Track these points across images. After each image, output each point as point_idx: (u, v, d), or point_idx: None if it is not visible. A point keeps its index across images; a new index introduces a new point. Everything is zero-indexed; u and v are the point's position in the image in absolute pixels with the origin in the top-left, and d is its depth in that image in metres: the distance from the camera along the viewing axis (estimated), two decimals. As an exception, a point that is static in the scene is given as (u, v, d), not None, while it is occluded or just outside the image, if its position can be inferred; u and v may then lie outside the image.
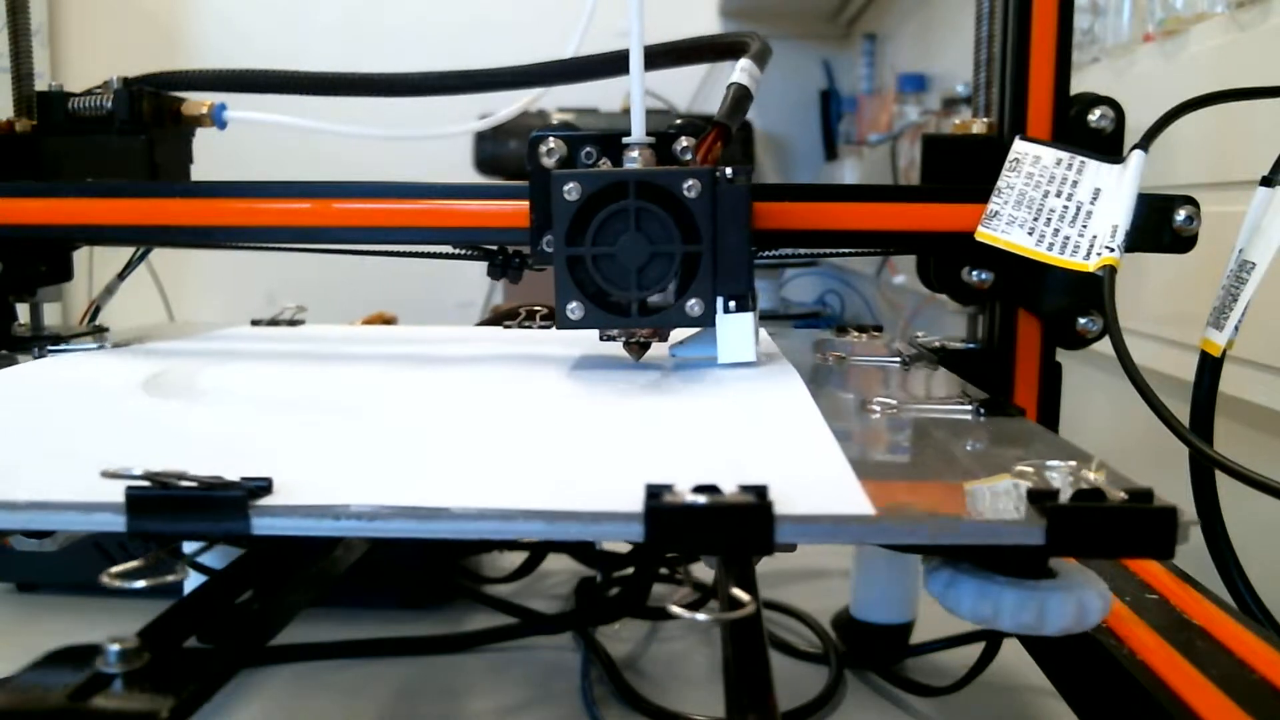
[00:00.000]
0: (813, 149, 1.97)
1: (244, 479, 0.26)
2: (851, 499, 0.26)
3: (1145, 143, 0.44)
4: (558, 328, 0.43)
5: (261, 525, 0.25)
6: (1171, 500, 0.25)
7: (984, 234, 0.45)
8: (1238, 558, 0.41)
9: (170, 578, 0.26)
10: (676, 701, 0.51)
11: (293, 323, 0.65)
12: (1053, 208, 0.44)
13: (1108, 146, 0.46)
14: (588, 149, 0.44)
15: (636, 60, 0.43)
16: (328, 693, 0.52)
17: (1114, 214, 0.43)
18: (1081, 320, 0.47)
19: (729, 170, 0.42)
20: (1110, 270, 0.42)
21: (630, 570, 0.64)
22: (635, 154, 0.44)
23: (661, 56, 0.55)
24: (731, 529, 0.24)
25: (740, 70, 0.47)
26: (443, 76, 0.56)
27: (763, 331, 0.59)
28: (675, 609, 0.25)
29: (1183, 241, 0.45)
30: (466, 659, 0.56)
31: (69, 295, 0.62)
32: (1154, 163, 0.44)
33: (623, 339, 0.46)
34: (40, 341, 0.56)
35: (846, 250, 0.56)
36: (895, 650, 0.54)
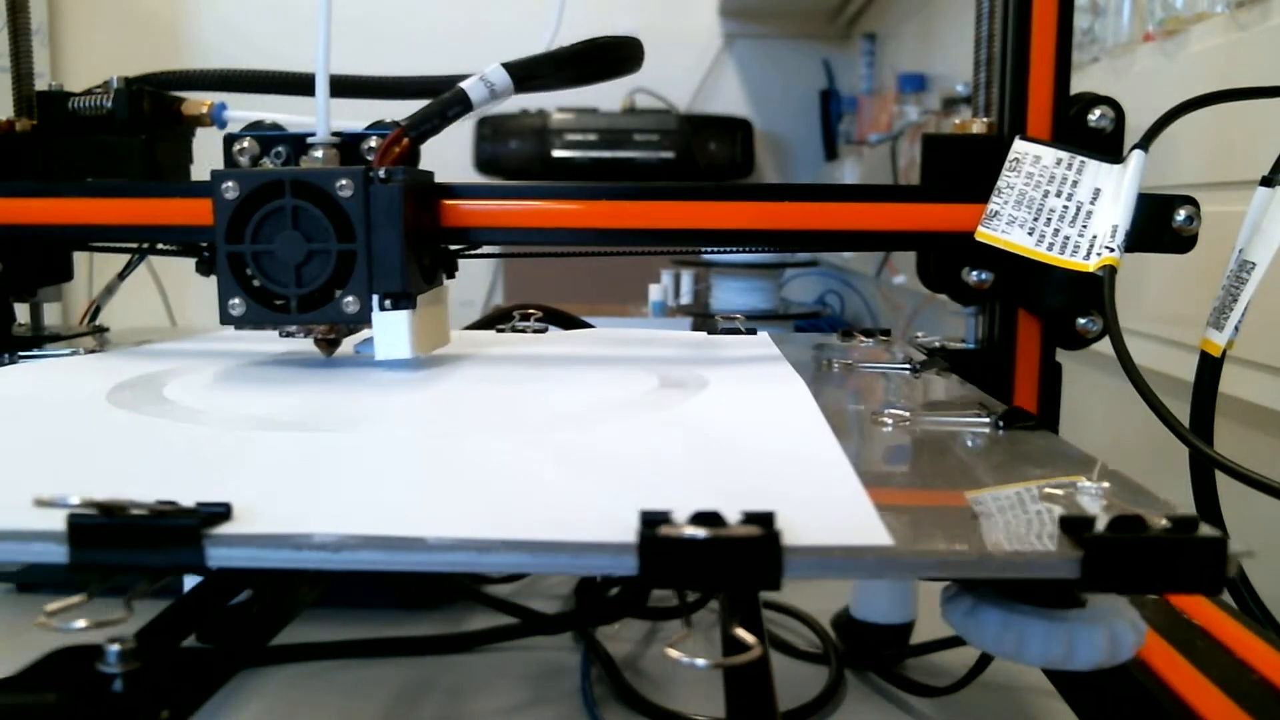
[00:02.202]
0: (813, 149, 1.98)
1: (199, 504, 0.23)
2: (867, 528, 0.23)
3: (1145, 143, 0.44)
4: (220, 323, 0.44)
5: (216, 556, 0.23)
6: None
7: (984, 234, 0.45)
8: (1238, 558, 0.41)
9: (114, 617, 0.23)
10: (676, 701, 0.51)
11: None
12: (1053, 208, 0.44)
13: (1108, 146, 0.46)
14: (279, 148, 0.45)
15: (323, 64, 0.44)
16: (328, 693, 0.52)
17: (1114, 214, 0.43)
18: (1081, 320, 0.47)
19: (382, 170, 0.43)
20: (1110, 270, 0.42)
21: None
22: (319, 154, 0.45)
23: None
24: (735, 564, 0.22)
25: (477, 75, 0.47)
26: (438, 81, 0.56)
27: (765, 335, 0.59)
28: (671, 652, 0.23)
29: (1183, 241, 0.45)
30: (466, 659, 0.56)
31: (69, 295, 0.62)
32: (1154, 163, 0.44)
33: (301, 335, 0.46)
34: (40, 342, 0.56)
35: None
36: (895, 650, 0.54)
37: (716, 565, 0.22)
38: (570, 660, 0.56)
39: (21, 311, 0.58)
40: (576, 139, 1.77)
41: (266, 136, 0.46)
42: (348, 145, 0.45)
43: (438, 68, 0.55)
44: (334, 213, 0.43)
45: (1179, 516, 0.22)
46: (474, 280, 1.88)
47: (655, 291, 1.30)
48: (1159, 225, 0.45)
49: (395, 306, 0.43)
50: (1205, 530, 0.22)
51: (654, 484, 0.27)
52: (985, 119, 0.49)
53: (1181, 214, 0.45)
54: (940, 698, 0.51)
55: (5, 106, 0.55)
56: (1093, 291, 0.46)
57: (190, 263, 0.55)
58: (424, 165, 0.48)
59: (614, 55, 0.49)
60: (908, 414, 0.36)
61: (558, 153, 1.77)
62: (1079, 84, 0.47)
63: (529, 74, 0.47)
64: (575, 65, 0.48)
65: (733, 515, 0.22)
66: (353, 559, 0.23)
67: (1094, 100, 0.46)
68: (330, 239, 0.43)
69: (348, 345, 0.48)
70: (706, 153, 1.79)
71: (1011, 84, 0.47)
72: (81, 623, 0.23)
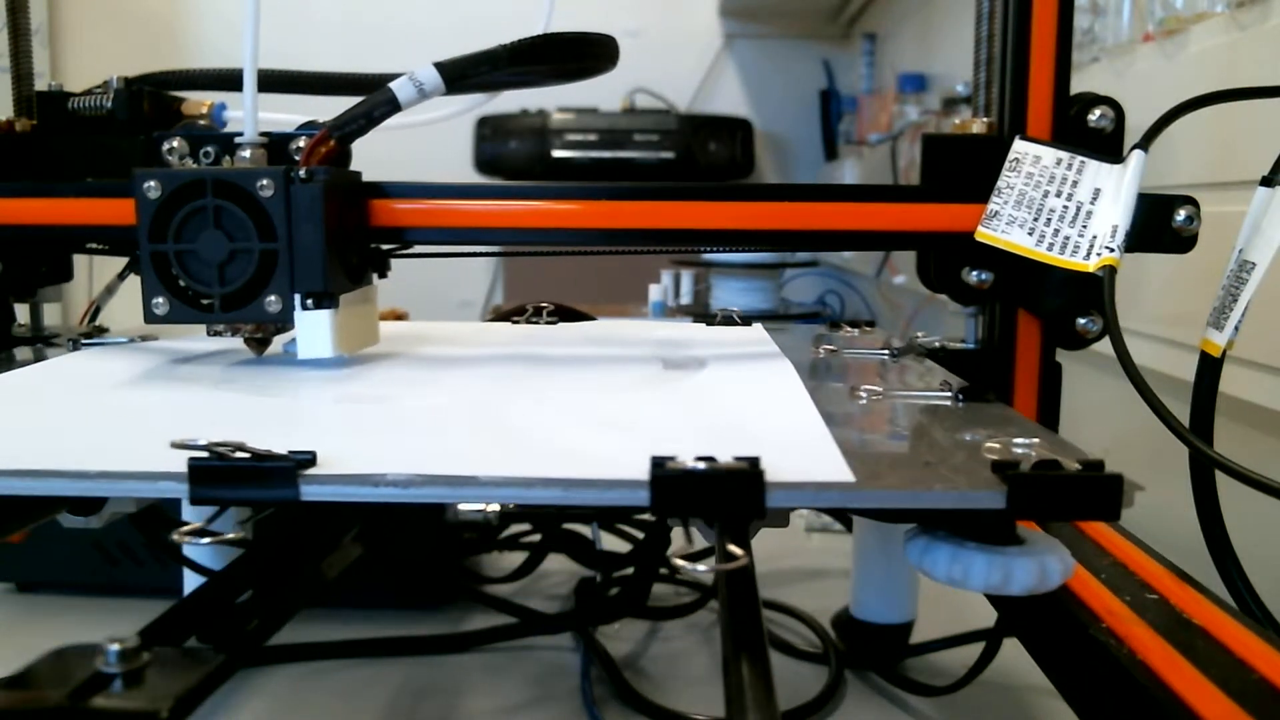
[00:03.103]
0: (813, 149, 1.97)
1: (291, 452, 0.28)
2: (834, 468, 0.28)
3: (1145, 143, 0.44)
4: (145, 321, 0.44)
5: (310, 492, 0.28)
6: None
7: (984, 234, 0.45)
8: (1238, 558, 0.41)
9: (230, 535, 0.29)
10: (676, 701, 0.51)
11: None
12: (1053, 208, 0.44)
13: (1108, 146, 0.46)
14: (207, 148, 0.46)
15: (250, 62, 0.44)
16: (328, 693, 0.52)
17: (1114, 214, 0.43)
18: (1081, 320, 0.47)
19: (303, 170, 0.43)
20: (1110, 270, 0.42)
21: (630, 570, 0.64)
22: (247, 154, 0.45)
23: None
24: (727, 493, 0.27)
25: (407, 75, 0.46)
26: (378, 77, 0.56)
27: (759, 326, 0.61)
28: (678, 560, 0.28)
29: (1183, 241, 0.45)
30: (466, 659, 0.56)
31: (69, 295, 0.62)
32: (1154, 163, 0.44)
33: (229, 333, 0.46)
34: (40, 341, 0.56)
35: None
36: (895, 650, 0.54)
37: (712, 495, 0.27)
38: (570, 660, 0.56)
39: (21, 311, 0.58)
40: (576, 139, 1.77)
41: (195, 136, 0.46)
42: (276, 145, 0.45)
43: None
44: (256, 212, 0.43)
45: (1088, 460, 0.28)
46: (474, 280, 1.88)
47: (655, 291, 1.30)
48: (1159, 225, 0.45)
49: (318, 306, 0.43)
50: (1107, 470, 0.27)
51: (663, 438, 0.32)
52: (985, 119, 0.49)
53: (1181, 214, 0.44)
54: (940, 697, 0.51)
55: (5, 106, 0.55)
56: (1093, 291, 0.46)
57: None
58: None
59: (572, 52, 0.48)
60: (881, 389, 0.41)
61: (558, 153, 1.77)
62: (1079, 84, 0.47)
63: (461, 73, 0.47)
64: (522, 63, 0.47)
65: (726, 458, 0.27)
66: (419, 494, 0.27)
67: (1094, 100, 0.46)
68: (252, 238, 0.43)
69: (277, 344, 0.49)
70: (706, 153, 1.79)
71: (1011, 84, 0.47)
72: (206, 540, 0.29)
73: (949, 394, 0.40)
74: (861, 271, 1.50)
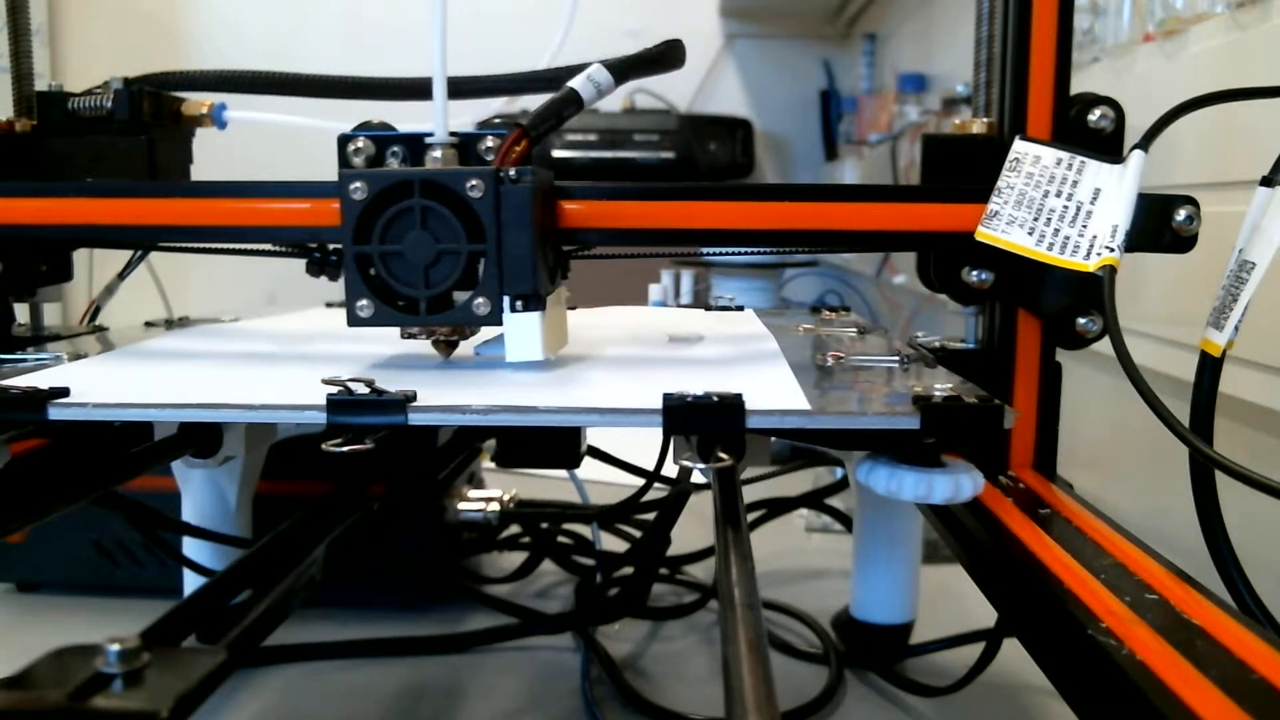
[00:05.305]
0: (813, 149, 1.97)
1: (399, 391, 0.37)
2: (794, 399, 0.38)
3: (1145, 143, 0.44)
4: (349, 324, 0.44)
5: (415, 418, 0.36)
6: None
7: (984, 234, 0.45)
8: (1238, 558, 0.41)
9: (360, 446, 0.36)
10: (676, 701, 0.51)
11: None
12: (1053, 208, 0.44)
13: (1108, 146, 0.46)
14: (394, 148, 0.45)
15: (439, 65, 0.44)
16: (328, 693, 0.52)
17: (1114, 214, 0.43)
18: (1081, 320, 0.47)
19: (513, 171, 0.42)
20: (1110, 270, 0.42)
21: (630, 570, 0.64)
22: (437, 154, 0.44)
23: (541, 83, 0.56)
24: (718, 416, 0.36)
25: (584, 74, 0.46)
26: (519, 79, 0.57)
27: (749, 311, 0.68)
28: (683, 461, 0.37)
29: (1183, 241, 0.45)
30: (466, 659, 0.56)
31: (69, 295, 0.62)
32: (1154, 163, 0.44)
33: (423, 336, 0.46)
34: (40, 341, 0.56)
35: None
36: (895, 650, 0.54)
37: (707, 417, 0.36)
38: (570, 660, 0.56)
39: (21, 311, 0.58)
40: (576, 139, 1.77)
41: (382, 136, 0.45)
42: (465, 145, 0.45)
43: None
44: (464, 213, 0.42)
45: (982, 395, 0.37)
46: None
47: (655, 291, 1.30)
48: (1159, 225, 0.45)
49: (526, 308, 0.43)
50: (994, 403, 0.37)
51: (673, 384, 0.38)
52: (985, 119, 0.49)
53: (1181, 214, 0.44)
54: (940, 697, 0.51)
55: (5, 106, 0.55)
56: (1093, 291, 0.46)
57: (188, 262, 0.55)
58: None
59: (677, 56, 0.53)
60: (843, 355, 0.48)
61: (558, 153, 1.77)
62: (1079, 84, 0.47)
63: (623, 73, 0.48)
64: (651, 65, 0.50)
65: (718, 393, 0.36)
66: (496, 419, 0.36)
67: (1094, 100, 0.46)
68: (461, 240, 0.42)
69: (465, 348, 0.48)
70: (706, 153, 1.79)
71: (1011, 84, 0.47)
72: (347, 448, 0.36)
73: (897, 359, 0.47)
74: (861, 271, 1.50)
